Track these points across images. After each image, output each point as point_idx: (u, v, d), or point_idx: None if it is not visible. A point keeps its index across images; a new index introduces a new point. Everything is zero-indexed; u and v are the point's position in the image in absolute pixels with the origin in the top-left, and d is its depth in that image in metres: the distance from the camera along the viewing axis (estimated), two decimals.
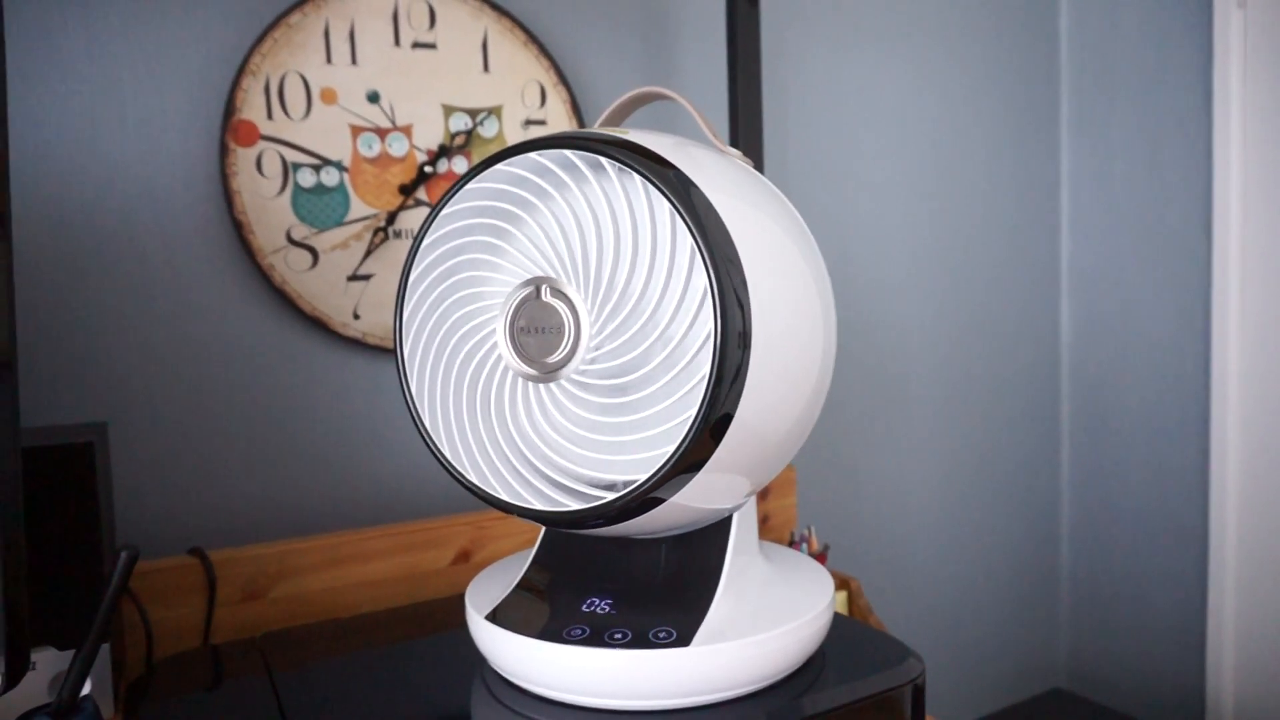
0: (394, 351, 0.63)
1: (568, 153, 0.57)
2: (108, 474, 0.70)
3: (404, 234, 1.04)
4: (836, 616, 0.73)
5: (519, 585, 0.66)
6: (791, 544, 1.16)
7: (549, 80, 1.11)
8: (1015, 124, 1.63)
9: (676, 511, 0.58)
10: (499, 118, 1.09)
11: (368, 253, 1.02)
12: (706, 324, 0.54)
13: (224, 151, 0.95)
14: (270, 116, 0.97)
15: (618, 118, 0.72)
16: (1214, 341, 1.50)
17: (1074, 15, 1.68)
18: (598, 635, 0.59)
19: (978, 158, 1.59)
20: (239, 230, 0.96)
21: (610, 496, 0.56)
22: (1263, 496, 1.48)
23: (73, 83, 0.89)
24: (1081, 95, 1.68)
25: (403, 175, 1.04)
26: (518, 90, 1.09)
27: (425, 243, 0.62)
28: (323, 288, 1.00)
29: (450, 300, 0.62)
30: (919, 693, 0.66)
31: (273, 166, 0.97)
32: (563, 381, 0.58)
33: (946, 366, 1.58)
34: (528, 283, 0.58)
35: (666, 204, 0.55)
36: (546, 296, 0.58)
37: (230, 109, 0.95)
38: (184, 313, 0.95)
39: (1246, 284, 1.48)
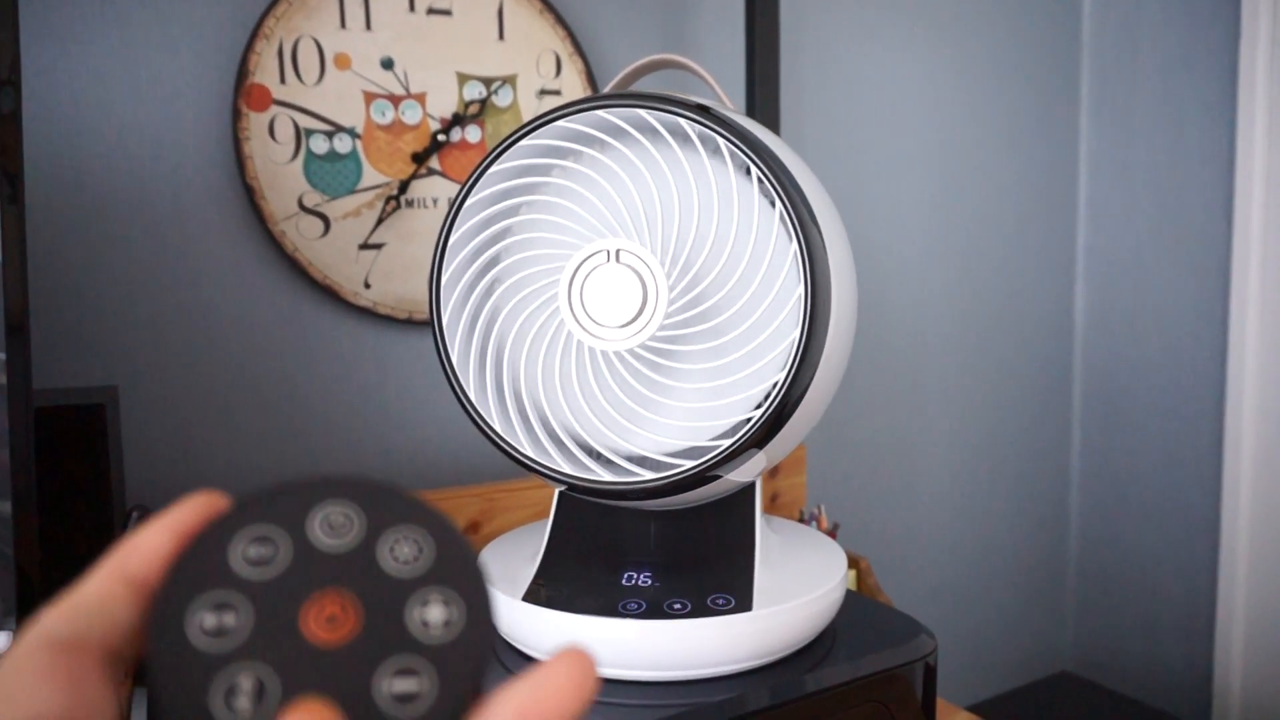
0: (429, 320, 0.59)
1: (642, 112, 0.54)
2: (118, 437, 0.70)
3: (415, 203, 1.03)
4: (848, 592, 0.72)
5: (544, 562, 0.64)
6: (801, 522, 1.15)
7: (565, 50, 1.10)
8: (1034, 106, 1.61)
9: (718, 484, 0.58)
10: (514, 87, 1.07)
11: (379, 221, 1.01)
12: (790, 295, 0.54)
13: (236, 116, 0.94)
14: (283, 81, 0.96)
15: (628, 85, 0.70)
16: (1231, 331, 1.49)
17: None
18: (656, 607, 0.58)
19: (995, 140, 1.57)
20: (251, 196, 0.95)
21: (686, 465, 0.55)
22: (1276, 484, 1.47)
23: (85, 43, 0.88)
24: (1103, 78, 1.65)
25: (416, 143, 1.03)
26: (533, 59, 1.08)
27: (470, 201, 0.58)
28: (334, 256, 1.00)
29: (502, 265, 0.59)
30: (931, 670, 0.65)
31: (285, 132, 0.96)
32: (636, 349, 0.55)
33: (959, 350, 1.56)
34: (596, 247, 0.55)
35: (755, 170, 0.54)
36: (617, 262, 0.54)
37: (243, 73, 0.94)
38: (194, 278, 0.95)
39: (1267, 274, 1.46)
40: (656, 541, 0.64)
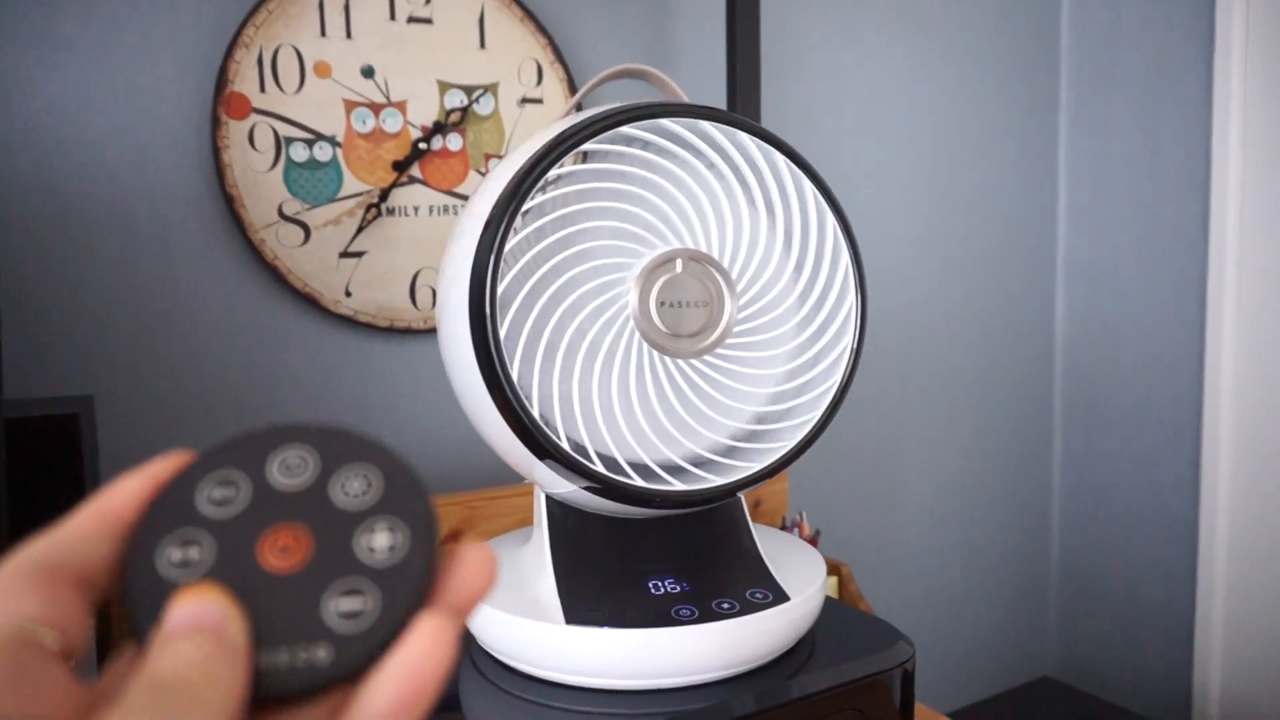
0: (482, 336, 0.52)
1: (704, 123, 0.55)
2: (94, 446, 0.69)
3: (397, 211, 1.03)
4: (826, 599, 0.73)
5: (558, 579, 0.60)
6: (783, 529, 1.15)
7: (546, 58, 1.10)
8: (1013, 113, 1.63)
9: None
10: (495, 95, 1.07)
11: (360, 229, 1.01)
12: (845, 302, 0.59)
13: (215, 124, 0.93)
14: (263, 89, 0.95)
15: (593, 92, 0.70)
16: (1208, 335, 1.50)
17: (1075, 4, 1.66)
18: (706, 610, 0.58)
19: (975, 147, 1.58)
20: (230, 204, 0.95)
21: (756, 468, 0.57)
22: (1254, 489, 1.48)
23: (63, 50, 0.88)
24: (1081, 85, 1.67)
25: (396, 152, 1.02)
26: (514, 67, 1.08)
27: (526, 207, 0.55)
28: (314, 264, 0.99)
29: (569, 274, 0.55)
30: (909, 677, 0.66)
31: (265, 140, 0.96)
32: (706, 357, 0.56)
33: (940, 356, 1.57)
34: (667, 254, 0.54)
35: (809, 185, 0.57)
36: (688, 270, 0.54)
37: (222, 81, 0.93)
38: (173, 286, 0.94)
39: (1243, 278, 1.47)
40: (664, 547, 0.64)
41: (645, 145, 0.58)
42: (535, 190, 0.53)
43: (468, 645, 0.66)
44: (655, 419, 0.57)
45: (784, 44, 1.34)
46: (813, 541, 1.11)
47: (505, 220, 0.53)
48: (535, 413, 0.54)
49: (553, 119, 1.04)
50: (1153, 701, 1.62)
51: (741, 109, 1.07)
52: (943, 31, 1.51)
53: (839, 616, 0.71)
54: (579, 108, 1.09)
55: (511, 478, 1.13)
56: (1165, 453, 1.58)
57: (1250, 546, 1.49)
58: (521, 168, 0.54)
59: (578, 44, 1.15)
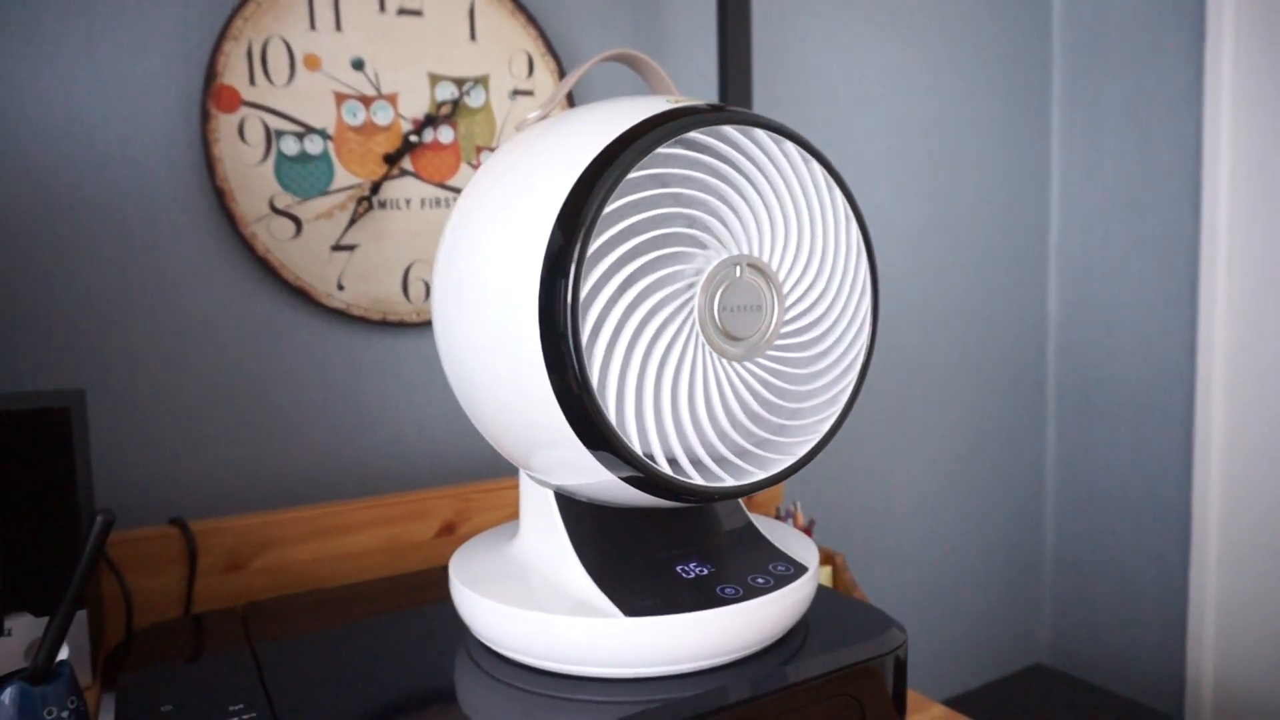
0: (560, 338, 0.54)
1: (759, 131, 0.57)
2: (85, 440, 0.69)
3: (388, 204, 1.03)
4: (819, 587, 0.73)
5: (592, 572, 0.60)
6: (778, 518, 1.16)
7: (537, 50, 1.10)
8: (1006, 103, 1.63)
9: None
10: (486, 87, 1.07)
11: (352, 222, 1.01)
12: (862, 306, 0.63)
13: (205, 117, 0.93)
14: (253, 82, 0.95)
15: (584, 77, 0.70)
16: (1200, 323, 1.51)
17: None
18: (745, 587, 0.60)
19: (968, 138, 1.58)
20: (221, 198, 0.95)
21: (790, 461, 0.60)
22: (1245, 477, 1.49)
23: (49, 45, 0.87)
24: (1073, 74, 1.67)
25: (387, 144, 1.02)
26: (505, 60, 1.08)
27: (608, 210, 0.54)
28: (306, 258, 0.99)
29: (643, 282, 0.55)
30: (901, 664, 0.66)
31: (255, 133, 0.96)
32: (759, 359, 0.59)
33: (934, 345, 1.58)
34: (731, 259, 0.56)
35: (840, 195, 0.61)
36: (746, 274, 0.57)
37: (211, 74, 0.93)
38: (164, 281, 0.94)
39: (1234, 266, 1.48)
40: (674, 534, 0.65)
41: (707, 150, 0.58)
42: (611, 196, 0.52)
43: (469, 647, 0.66)
44: (716, 417, 0.59)
45: (775, 36, 1.34)
46: (807, 531, 1.11)
47: (588, 224, 0.52)
48: (613, 419, 0.54)
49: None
50: (1146, 687, 1.63)
51: (733, 99, 1.07)
52: (935, 22, 1.51)
53: (831, 604, 0.71)
54: (570, 93, 1.09)
55: (505, 470, 1.13)
56: (1157, 440, 1.59)
57: (1242, 532, 1.50)
58: (589, 169, 0.53)
59: (569, 36, 1.15)
